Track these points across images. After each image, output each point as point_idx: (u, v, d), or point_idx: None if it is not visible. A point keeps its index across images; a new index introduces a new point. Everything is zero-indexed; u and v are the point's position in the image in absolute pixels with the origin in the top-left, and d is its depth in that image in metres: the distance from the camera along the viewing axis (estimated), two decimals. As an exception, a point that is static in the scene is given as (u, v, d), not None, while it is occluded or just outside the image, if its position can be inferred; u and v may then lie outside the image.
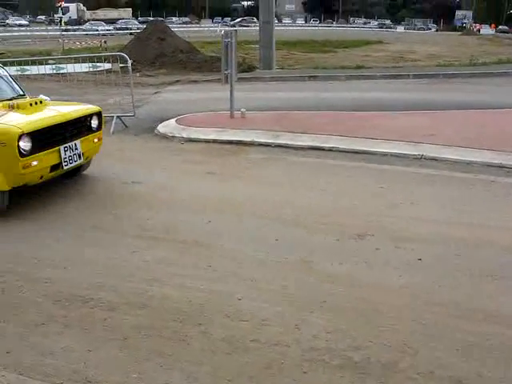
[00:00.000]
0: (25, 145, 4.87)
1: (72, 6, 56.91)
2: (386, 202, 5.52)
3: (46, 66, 10.61)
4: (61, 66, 9.84)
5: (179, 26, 44.60)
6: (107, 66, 10.78)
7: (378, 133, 8.33)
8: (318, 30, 57.59)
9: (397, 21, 77.33)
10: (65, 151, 5.36)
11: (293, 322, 3.35)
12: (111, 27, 43.75)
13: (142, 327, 3.29)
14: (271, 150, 7.79)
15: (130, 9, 64.51)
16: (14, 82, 6.27)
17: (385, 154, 7.40)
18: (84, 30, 40.84)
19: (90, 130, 5.88)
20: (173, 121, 9.28)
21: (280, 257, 4.24)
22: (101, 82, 10.05)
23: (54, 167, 5.31)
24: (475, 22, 69.17)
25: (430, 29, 68.06)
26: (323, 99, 12.14)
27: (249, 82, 15.23)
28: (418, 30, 65.22)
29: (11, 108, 5.44)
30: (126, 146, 8.07)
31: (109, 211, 5.28)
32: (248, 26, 57.73)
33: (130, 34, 35.50)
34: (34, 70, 10.87)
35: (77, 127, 5.64)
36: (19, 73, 9.32)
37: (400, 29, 63.98)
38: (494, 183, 6.19)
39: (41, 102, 5.68)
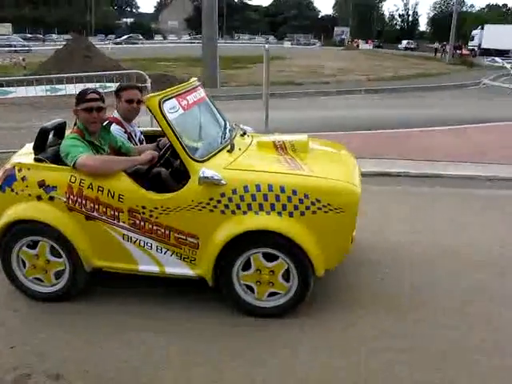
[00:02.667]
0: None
1: None
2: None
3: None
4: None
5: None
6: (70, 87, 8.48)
7: (432, 154, 7.72)
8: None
9: (278, 36, 78.91)
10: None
11: None
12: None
13: None
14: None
15: (10, 24, 58.23)
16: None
17: (460, 177, 6.75)
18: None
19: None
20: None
21: None
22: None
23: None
24: (353, 38, 72.66)
25: (315, 44, 70.16)
26: (316, 119, 11.08)
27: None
28: (304, 45, 66.82)
29: (282, 151, 3.84)
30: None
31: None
32: (136, 44, 55.29)
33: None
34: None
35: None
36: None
37: (287, 44, 65.11)
38: None
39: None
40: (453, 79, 22.11)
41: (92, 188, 3.40)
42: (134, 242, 3.46)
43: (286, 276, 3.45)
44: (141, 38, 62.82)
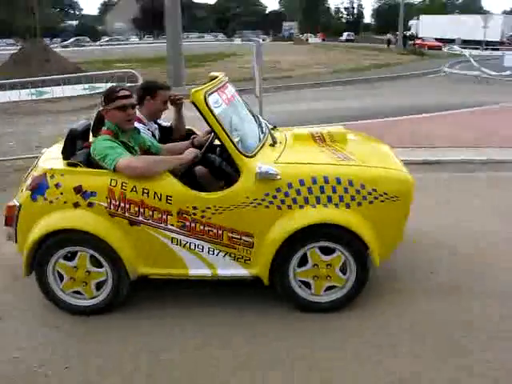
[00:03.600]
0: None
1: None
2: None
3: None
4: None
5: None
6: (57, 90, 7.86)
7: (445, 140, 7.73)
8: (163, 45, 55.66)
9: (228, 34, 78.68)
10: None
11: None
12: None
13: None
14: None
15: None
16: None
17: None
18: None
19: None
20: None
21: None
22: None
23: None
24: (302, 33, 73.24)
25: (264, 40, 70.14)
26: (312, 110, 11.06)
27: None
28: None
29: (322, 142, 3.73)
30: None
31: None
32: (84, 46, 53.89)
33: None
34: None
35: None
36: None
37: (237, 41, 64.83)
38: None
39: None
40: (414, 68, 22.57)
41: (136, 191, 3.18)
42: (184, 245, 3.26)
43: (343, 268, 3.34)
44: (88, 40, 61.30)
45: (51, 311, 3.43)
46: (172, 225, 3.22)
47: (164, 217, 3.20)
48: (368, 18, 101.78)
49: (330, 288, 3.38)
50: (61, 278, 3.38)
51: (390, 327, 3.24)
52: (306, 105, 12.72)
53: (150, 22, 71.28)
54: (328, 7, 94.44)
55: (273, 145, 3.54)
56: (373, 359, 2.93)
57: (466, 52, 21.69)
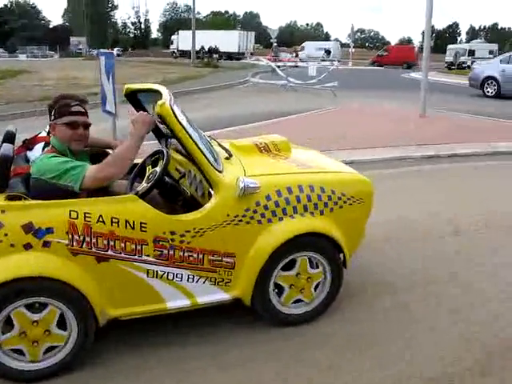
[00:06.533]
0: None
1: None
2: None
3: None
4: None
5: None
6: None
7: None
8: None
9: (10, 49, 72.44)
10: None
11: None
12: None
13: None
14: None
15: None
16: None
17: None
18: None
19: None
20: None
21: None
22: None
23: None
24: (92, 48, 70.88)
25: (52, 56, 66.24)
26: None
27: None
28: (42, 57, 62.48)
29: (265, 151, 3.60)
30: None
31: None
32: None
33: None
34: None
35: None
36: None
37: (23, 57, 60.15)
38: None
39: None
40: (221, 80, 23.34)
41: (103, 221, 2.74)
42: (161, 276, 2.90)
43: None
44: None
45: None
46: (148, 255, 2.84)
47: (138, 247, 2.82)
48: (155, 33, 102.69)
49: (297, 301, 3.34)
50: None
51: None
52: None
53: None
54: (115, 22, 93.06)
55: (228, 158, 3.37)
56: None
57: (273, 64, 23.22)
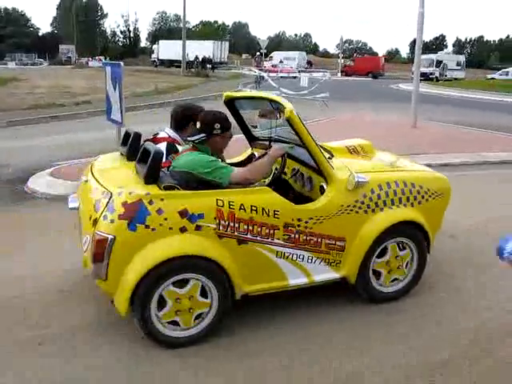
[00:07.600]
0: None
1: None
2: None
3: None
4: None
5: None
6: None
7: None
8: None
9: (-3, 56, 72.02)
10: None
11: None
12: None
13: None
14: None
15: None
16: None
17: None
18: None
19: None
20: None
21: None
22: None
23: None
24: (81, 56, 70.95)
25: (42, 64, 66.16)
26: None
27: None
28: (31, 65, 62.43)
29: (354, 153, 4.17)
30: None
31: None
32: None
33: None
34: None
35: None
36: None
37: (12, 65, 59.96)
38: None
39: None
40: (216, 89, 22.88)
41: (244, 209, 3.23)
42: (287, 257, 3.41)
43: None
44: None
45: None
46: (278, 238, 3.34)
47: (271, 231, 3.31)
48: (144, 42, 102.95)
49: (394, 280, 3.86)
50: (162, 306, 3.20)
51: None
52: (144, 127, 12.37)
53: None
54: (104, 30, 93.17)
55: (330, 158, 3.87)
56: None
57: (265, 74, 23.63)
